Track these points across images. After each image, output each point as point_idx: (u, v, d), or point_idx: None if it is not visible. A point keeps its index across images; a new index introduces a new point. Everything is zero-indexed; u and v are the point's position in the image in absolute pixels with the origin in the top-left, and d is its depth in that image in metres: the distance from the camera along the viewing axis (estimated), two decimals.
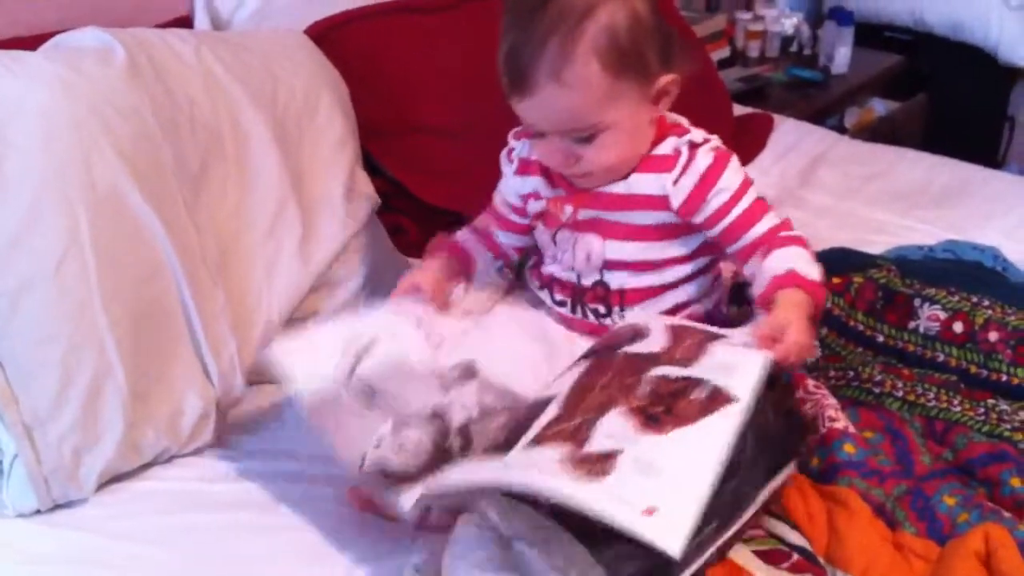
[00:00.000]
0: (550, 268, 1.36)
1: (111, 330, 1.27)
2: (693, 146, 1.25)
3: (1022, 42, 3.17)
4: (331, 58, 1.77)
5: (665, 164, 1.25)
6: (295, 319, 1.49)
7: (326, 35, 1.83)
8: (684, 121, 1.30)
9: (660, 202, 1.26)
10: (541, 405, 1.12)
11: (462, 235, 1.46)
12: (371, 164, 1.79)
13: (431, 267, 1.39)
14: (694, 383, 1.06)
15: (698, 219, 1.26)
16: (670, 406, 1.04)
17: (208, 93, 1.48)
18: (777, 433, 1.11)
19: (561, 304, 1.35)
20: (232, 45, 1.61)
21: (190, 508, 1.27)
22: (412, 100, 1.86)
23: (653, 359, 1.13)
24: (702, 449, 0.99)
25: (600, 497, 0.93)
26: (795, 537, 1.16)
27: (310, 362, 1.20)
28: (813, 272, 1.21)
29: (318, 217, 1.54)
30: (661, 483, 0.95)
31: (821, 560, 1.14)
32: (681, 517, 0.92)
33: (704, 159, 1.24)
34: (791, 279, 1.19)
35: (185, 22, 1.91)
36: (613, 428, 1.02)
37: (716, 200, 1.24)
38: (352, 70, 1.79)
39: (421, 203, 1.81)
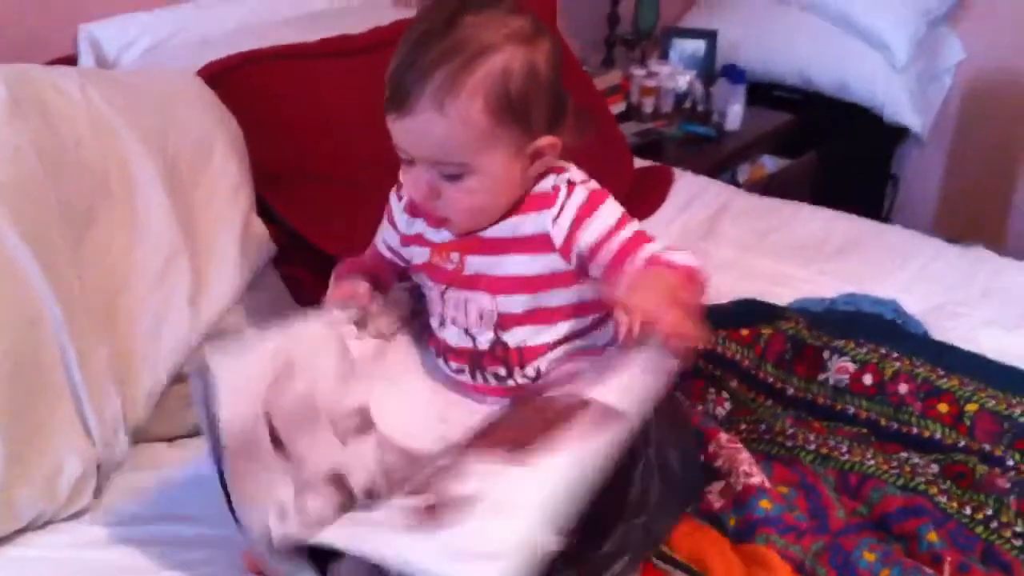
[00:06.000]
0: (443, 334, 1.32)
1: None
2: (571, 184, 1.23)
3: (907, 102, 3.25)
4: (225, 101, 1.70)
5: (545, 201, 1.23)
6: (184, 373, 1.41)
7: (220, 77, 1.76)
8: (566, 164, 1.27)
9: (544, 242, 1.23)
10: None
11: (368, 254, 1.42)
12: (267, 211, 1.72)
13: (358, 278, 1.36)
14: (584, 404, 1.09)
15: (579, 251, 1.22)
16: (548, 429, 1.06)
17: (95, 133, 1.40)
18: (681, 472, 1.18)
19: (459, 372, 1.32)
20: (121, 85, 1.53)
21: None
22: (309, 146, 1.80)
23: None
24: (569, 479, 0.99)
25: (432, 555, 0.94)
26: None
27: (239, 381, 1.11)
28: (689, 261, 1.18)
29: (210, 266, 1.47)
30: (514, 524, 0.96)
31: None
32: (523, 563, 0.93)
33: (580, 195, 1.22)
34: (651, 262, 1.17)
35: (70, 62, 1.83)
36: (479, 467, 1.05)
37: (594, 230, 1.20)
38: (247, 114, 1.72)
39: (317, 252, 1.73)
